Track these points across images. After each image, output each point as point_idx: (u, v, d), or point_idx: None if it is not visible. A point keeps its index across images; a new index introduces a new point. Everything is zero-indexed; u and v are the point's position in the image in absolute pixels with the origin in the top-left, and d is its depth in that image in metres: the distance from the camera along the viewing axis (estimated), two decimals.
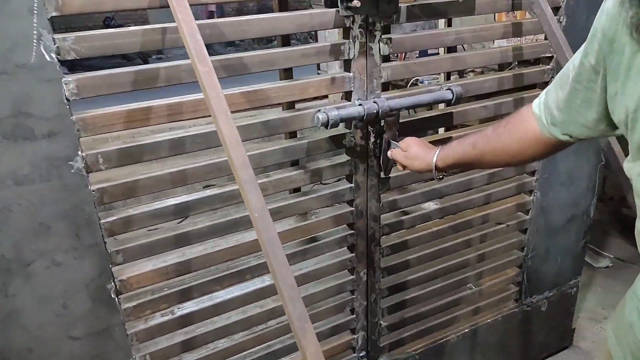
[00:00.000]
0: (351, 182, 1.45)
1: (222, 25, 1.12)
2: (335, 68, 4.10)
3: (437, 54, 3.19)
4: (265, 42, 10.34)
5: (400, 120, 1.39)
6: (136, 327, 1.27)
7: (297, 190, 1.53)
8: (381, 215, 1.54)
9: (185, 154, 1.19)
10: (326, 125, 1.22)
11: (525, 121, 1.02)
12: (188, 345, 1.35)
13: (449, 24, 3.12)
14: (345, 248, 1.54)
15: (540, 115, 0.98)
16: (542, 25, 1.42)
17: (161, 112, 1.12)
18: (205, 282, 1.32)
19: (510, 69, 2.60)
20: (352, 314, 1.63)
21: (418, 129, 1.53)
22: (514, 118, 1.06)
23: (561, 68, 1.42)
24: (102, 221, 1.14)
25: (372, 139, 1.41)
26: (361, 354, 1.70)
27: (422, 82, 3.68)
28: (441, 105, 1.56)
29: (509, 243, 1.87)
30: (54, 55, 0.97)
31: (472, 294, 1.87)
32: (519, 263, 1.94)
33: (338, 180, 1.49)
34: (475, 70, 3.33)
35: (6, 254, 1.05)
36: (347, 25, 1.27)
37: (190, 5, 0.98)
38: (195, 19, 0.97)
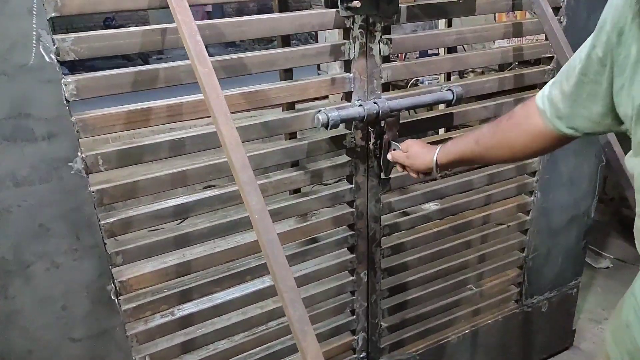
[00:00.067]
0: (351, 183, 1.45)
1: (221, 26, 1.12)
2: (335, 69, 4.11)
3: (438, 54, 3.19)
4: (265, 42, 10.33)
5: (401, 121, 1.39)
6: (136, 329, 1.27)
7: (297, 191, 1.53)
8: (381, 216, 1.54)
9: (185, 155, 1.19)
10: (326, 126, 1.22)
11: (529, 115, 1.00)
12: (188, 347, 1.35)
13: (449, 25, 3.12)
14: (346, 249, 1.54)
15: (544, 108, 0.96)
16: (542, 25, 1.41)
17: (161, 113, 1.12)
18: (205, 283, 1.31)
19: (510, 69, 2.59)
20: (353, 315, 1.63)
21: (418, 129, 1.53)
22: (518, 112, 1.04)
23: (562, 68, 1.42)
24: (102, 222, 1.13)
25: (373, 140, 1.41)
26: (361, 355, 1.70)
27: (422, 83, 3.68)
28: (441, 106, 1.56)
29: (509, 244, 1.87)
30: (53, 56, 0.97)
31: (472, 295, 1.87)
32: (520, 264, 1.94)
33: (338, 181, 1.48)
34: (476, 70, 3.33)
35: (6, 256, 1.05)
36: (347, 26, 1.27)
37: (190, 5, 0.97)
38: None
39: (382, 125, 1.38)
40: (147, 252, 1.21)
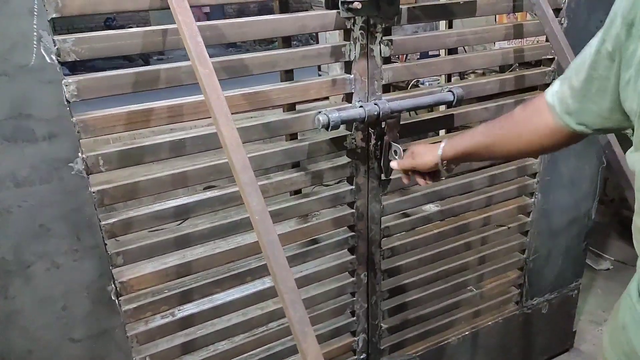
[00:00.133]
0: (352, 184, 1.45)
1: (222, 27, 1.12)
2: (336, 69, 4.11)
3: (438, 55, 3.19)
4: (266, 43, 10.34)
5: (402, 122, 1.39)
6: (136, 329, 1.27)
7: (297, 192, 1.53)
8: (382, 217, 1.54)
9: (185, 156, 1.19)
10: (327, 127, 1.22)
11: (539, 110, 0.98)
12: (188, 348, 1.35)
13: (450, 26, 3.12)
14: (346, 250, 1.54)
15: (554, 104, 0.94)
16: (543, 26, 1.41)
17: (162, 113, 1.12)
18: (205, 284, 1.31)
19: (510, 71, 2.59)
20: (353, 316, 1.62)
21: (419, 130, 1.53)
22: (528, 106, 1.02)
23: (562, 70, 1.42)
24: (103, 223, 1.13)
25: (373, 141, 1.41)
26: (362, 357, 1.70)
27: (422, 84, 3.68)
28: (442, 107, 1.56)
29: (510, 245, 1.87)
30: (54, 57, 0.97)
31: (473, 296, 1.87)
32: (520, 265, 1.94)
33: (339, 182, 1.48)
34: (477, 71, 3.33)
35: (6, 256, 1.05)
36: (348, 27, 1.27)
37: (191, 6, 0.98)
38: None
39: (383, 126, 1.38)
40: (147, 253, 1.21)
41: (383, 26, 1.31)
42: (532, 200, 1.82)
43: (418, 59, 3.42)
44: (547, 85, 1.65)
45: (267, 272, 1.34)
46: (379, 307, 1.65)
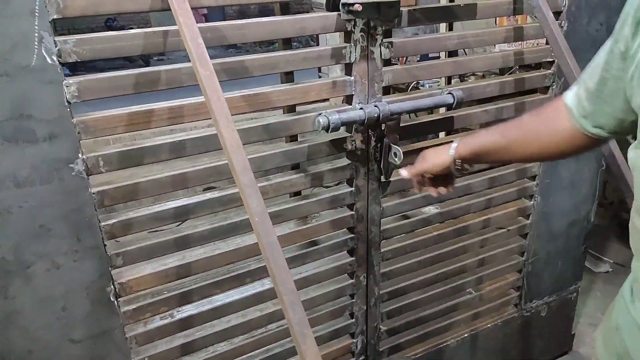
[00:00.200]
0: (352, 186, 1.45)
1: (223, 29, 1.13)
2: (336, 71, 4.12)
3: (438, 57, 3.19)
4: (267, 44, 10.35)
5: (401, 124, 1.39)
6: (135, 330, 1.27)
7: (297, 193, 1.53)
8: (381, 220, 1.54)
9: (185, 157, 1.19)
10: (327, 129, 1.22)
11: (557, 113, 0.96)
12: (187, 349, 1.35)
13: (450, 28, 3.12)
14: (345, 252, 1.54)
15: (572, 107, 0.92)
16: (543, 29, 1.42)
17: (162, 114, 1.12)
18: (205, 286, 1.31)
19: (510, 73, 2.60)
20: (352, 318, 1.63)
21: (419, 133, 1.53)
22: (548, 109, 1.00)
23: (562, 73, 1.43)
24: (103, 224, 1.13)
25: (373, 143, 1.41)
26: (360, 359, 1.70)
27: (423, 86, 3.69)
28: (442, 109, 1.56)
29: (509, 248, 1.87)
30: (55, 58, 0.97)
31: (472, 299, 1.87)
32: (519, 268, 1.94)
33: (338, 184, 1.48)
34: (477, 74, 3.33)
35: (6, 256, 1.05)
36: (349, 29, 1.28)
37: (192, 8, 0.98)
38: None
39: (383, 128, 1.38)
40: (147, 254, 1.21)
41: (383, 28, 1.31)
42: (532, 202, 1.83)
43: (418, 61, 3.43)
44: (547, 88, 1.67)
45: (266, 273, 1.33)
46: (378, 309, 1.66)
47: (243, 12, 11.80)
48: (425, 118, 1.56)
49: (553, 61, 1.64)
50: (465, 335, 1.89)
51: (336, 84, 1.32)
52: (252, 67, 1.19)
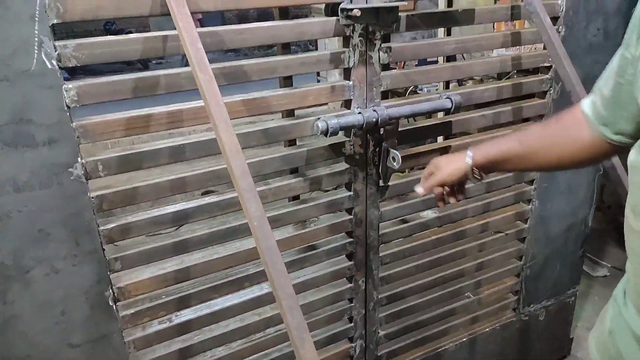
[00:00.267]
0: (350, 190, 1.45)
1: (222, 33, 1.13)
2: (335, 75, 4.13)
3: (437, 62, 3.20)
4: (265, 47, 10.37)
5: (400, 129, 1.39)
6: (134, 335, 1.27)
7: (296, 198, 1.53)
8: (380, 224, 1.54)
9: (184, 161, 1.20)
10: (325, 133, 1.23)
11: (576, 122, 0.95)
12: (185, 353, 1.35)
13: (448, 33, 3.13)
14: (344, 256, 1.54)
15: (591, 115, 0.92)
16: (541, 35, 1.42)
17: (161, 119, 1.13)
18: (203, 290, 1.31)
19: (507, 78, 2.61)
20: (350, 322, 1.63)
21: (417, 137, 1.54)
22: (566, 117, 0.98)
23: (560, 78, 1.43)
24: (101, 228, 1.13)
25: (372, 147, 1.42)
26: None
27: (421, 90, 3.70)
28: (440, 114, 1.57)
29: (507, 252, 1.88)
30: (54, 62, 0.97)
31: (470, 303, 1.87)
32: (517, 272, 1.94)
33: (337, 188, 1.49)
34: (475, 78, 3.34)
35: (5, 261, 1.05)
36: (347, 34, 1.28)
37: (191, 12, 0.98)
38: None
39: (381, 132, 1.39)
40: (145, 258, 1.21)
41: (382, 33, 1.32)
42: (530, 207, 1.83)
43: (416, 65, 3.44)
44: (545, 92, 1.67)
45: (265, 277, 1.34)
46: (377, 314, 1.66)
47: (242, 16, 11.80)
48: (424, 122, 1.56)
49: (550, 66, 1.65)
50: (464, 339, 1.89)
51: (335, 89, 1.33)
52: (251, 71, 1.19)
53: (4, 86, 0.94)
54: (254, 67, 1.20)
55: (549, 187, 1.83)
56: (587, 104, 0.93)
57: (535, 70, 1.72)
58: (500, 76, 2.90)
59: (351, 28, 1.27)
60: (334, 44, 3.63)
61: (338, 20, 1.25)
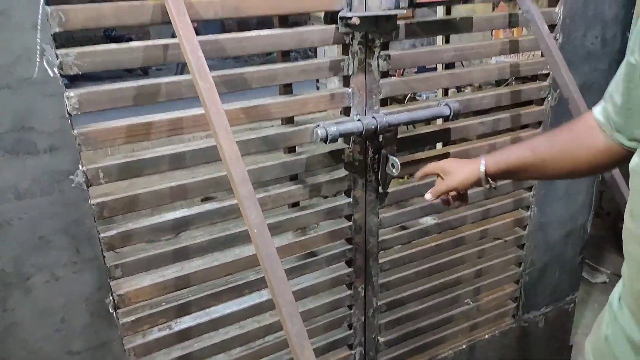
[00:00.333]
0: (350, 197, 1.45)
1: (223, 41, 1.14)
2: (334, 81, 4.14)
3: (435, 69, 3.21)
4: (265, 54, 10.38)
5: (399, 136, 1.40)
6: (134, 342, 1.27)
7: (296, 204, 1.54)
8: (379, 230, 1.55)
9: (185, 168, 1.20)
10: (325, 140, 1.23)
11: (589, 129, 0.94)
12: None
13: (447, 41, 3.14)
14: (344, 263, 1.55)
15: (603, 122, 0.91)
16: (538, 42, 1.43)
17: (162, 127, 1.13)
18: (203, 297, 1.32)
19: (506, 85, 2.62)
20: (350, 329, 1.63)
21: (416, 144, 1.54)
22: (578, 125, 0.98)
23: (557, 85, 1.44)
24: (102, 235, 1.14)
25: (371, 154, 1.42)
26: None
27: (420, 96, 3.71)
28: (439, 120, 1.57)
29: (506, 258, 1.88)
30: (56, 70, 0.98)
31: (469, 310, 1.87)
32: (517, 278, 1.94)
33: (336, 195, 1.49)
34: (473, 85, 3.35)
35: (6, 268, 1.05)
36: (347, 42, 1.29)
37: (192, 20, 0.99)
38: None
39: (381, 139, 1.39)
40: (145, 265, 1.22)
41: (381, 41, 1.33)
42: (528, 213, 1.84)
43: (415, 72, 3.45)
44: (543, 100, 1.68)
45: (264, 284, 1.34)
46: (376, 320, 1.66)
47: (242, 23, 11.83)
48: (423, 129, 1.57)
49: (548, 73, 1.66)
50: (463, 346, 1.89)
51: (334, 96, 1.33)
52: (252, 79, 1.20)
53: (6, 94, 0.95)
54: (254, 74, 1.21)
55: (547, 194, 1.83)
56: (598, 111, 0.93)
57: (534, 78, 1.73)
58: (498, 83, 2.91)
59: (350, 36, 1.28)
60: (333, 52, 3.64)
61: (337, 28, 1.26)
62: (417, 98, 3.69)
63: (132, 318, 1.24)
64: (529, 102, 1.72)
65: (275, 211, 1.38)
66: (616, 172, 1.31)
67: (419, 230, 1.63)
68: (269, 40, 1.20)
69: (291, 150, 1.43)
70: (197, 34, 0.98)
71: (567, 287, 2.10)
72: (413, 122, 1.42)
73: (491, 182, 1.14)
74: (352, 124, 1.29)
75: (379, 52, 1.34)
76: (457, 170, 1.17)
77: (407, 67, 1.52)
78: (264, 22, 1.24)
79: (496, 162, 1.11)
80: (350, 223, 1.48)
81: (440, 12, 3.71)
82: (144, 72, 8.44)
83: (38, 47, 0.95)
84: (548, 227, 1.90)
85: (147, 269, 1.23)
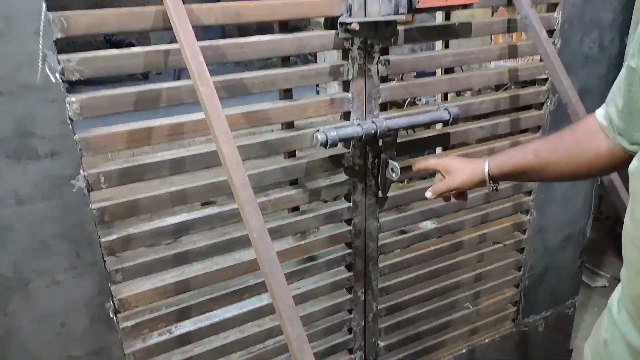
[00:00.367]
0: (349, 201, 1.46)
1: (223, 47, 1.14)
2: (334, 86, 4.15)
3: (435, 74, 3.22)
4: (264, 58, 10.39)
5: (399, 140, 1.40)
6: (134, 347, 1.27)
7: (295, 208, 1.54)
8: (379, 235, 1.55)
9: (185, 173, 1.20)
10: (325, 145, 1.24)
11: (591, 132, 0.95)
12: None
13: (446, 45, 3.15)
14: (343, 267, 1.55)
15: (606, 126, 0.92)
16: (537, 47, 1.44)
17: (163, 132, 1.14)
18: (203, 301, 1.32)
19: (504, 89, 2.62)
20: (350, 333, 1.63)
21: (416, 148, 1.55)
22: (580, 128, 0.98)
23: (556, 89, 1.45)
24: (102, 240, 1.14)
25: (371, 159, 1.43)
26: None
27: (419, 100, 3.72)
28: (438, 125, 1.58)
29: (505, 263, 1.88)
30: (58, 76, 0.98)
31: (469, 314, 1.87)
32: (516, 283, 1.94)
33: (336, 200, 1.50)
34: (472, 89, 3.36)
35: (6, 273, 1.05)
36: (346, 47, 1.30)
37: (193, 26, 0.99)
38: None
39: (380, 144, 1.40)
40: (146, 270, 1.22)
41: (380, 46, 1.33)
42: (528, 217, 1.84)
43: (414, 76, 3.46)
44: (542, 104, 1.69)
45: (264, 289, 1.34)
46: (376, 325, 1.66)
47: (242, 28, 11.85)
48: (422, 134, 1.57)
49: (547, 78, 1.67)
50: (463, 350, 1.88)
51: (334, 101, 1.34)
52: (252, 84, 1.21)
53: (8, 99, 0.95)
54: (255, 79, 1.21)
55: (546, 198, 1.84)
56: (601, 114, 0.93)
57: (532, 82, 1.74)
58: (497, 88, 2.92)
59: (350, 41, 1.29)
60: (333, 57, 3.65)
61: (337, 33, 1.27)
62: (417, 102, 3.70)
63: (132, 322, 1.24)
64: (528, 107, 1.72)
65: (275, 215, 1.39)
66: (615, 177, 1.31)
67: (419, 234, 1.63)
68: (269, 45, 1.21)
69: (291, 154, 1.43)
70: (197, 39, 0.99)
71: (567, 291, 2.11)
72: (412, 127, 1.42)
73: (489, 186, 1.15)
74: (352, 129, 1.29)
75: (379, 57, 1.34)
76: (458, 170, 1.18)
77: (406, 72, 1.52)
78: (263, 28, 1.25)
79: (499, 165, 1.12)
80: (350, 227, 1.49)
81: (439, 17, 3.72)
82: (145, 76, 8.44)
83: (40, 53, 0.95)
84: (548, 231, 1.91)
85: (148, 273, 1.23)
